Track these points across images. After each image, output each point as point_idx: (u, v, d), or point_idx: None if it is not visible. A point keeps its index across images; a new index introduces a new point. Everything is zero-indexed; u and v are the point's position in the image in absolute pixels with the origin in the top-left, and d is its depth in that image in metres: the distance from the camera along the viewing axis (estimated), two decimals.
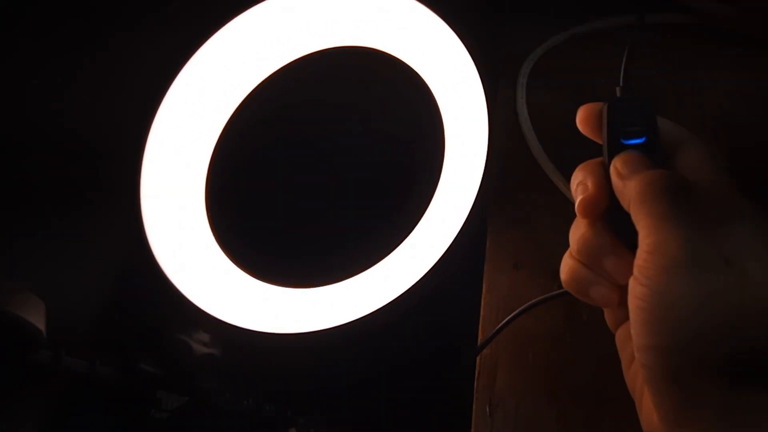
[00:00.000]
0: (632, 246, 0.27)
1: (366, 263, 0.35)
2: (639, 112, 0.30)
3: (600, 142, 0.31)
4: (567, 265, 0.31)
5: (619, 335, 0.30)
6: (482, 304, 0.42)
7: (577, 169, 0.31)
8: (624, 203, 0.28)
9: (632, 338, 0.26)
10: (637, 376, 0.29)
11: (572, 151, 0.33)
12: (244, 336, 0.31)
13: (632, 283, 0.26)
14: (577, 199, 0.30)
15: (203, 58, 0.26)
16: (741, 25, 0.53)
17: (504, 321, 0.38)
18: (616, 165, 0.29)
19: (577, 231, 0.30)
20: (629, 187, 0.28)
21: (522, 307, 0.37)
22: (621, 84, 0.31)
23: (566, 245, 0.33)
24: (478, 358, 0.40)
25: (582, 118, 0.31)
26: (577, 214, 0.30)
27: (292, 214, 0.36)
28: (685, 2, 0.54)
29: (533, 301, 0.37)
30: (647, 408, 0.27)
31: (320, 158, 0.37)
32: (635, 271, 0.26)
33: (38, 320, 0.34)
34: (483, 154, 0.37)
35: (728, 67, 0.53)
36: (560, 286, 0.32)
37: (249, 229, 0.32)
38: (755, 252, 0.25)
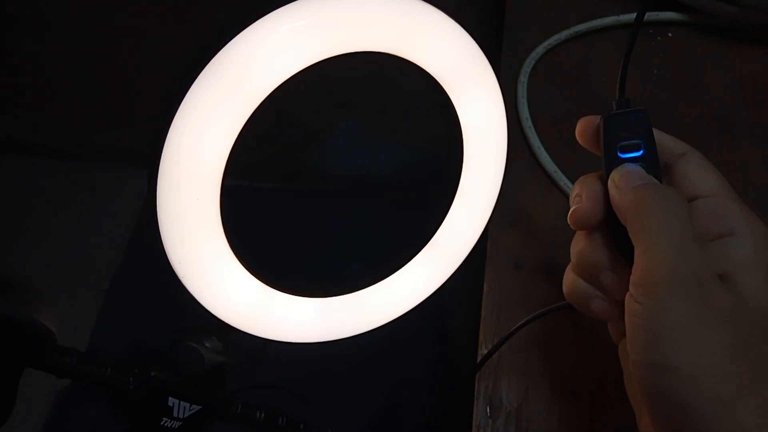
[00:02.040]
0: (632, 260, 0.27)
1: (382, 273, 0.35)
2: (635, 125, 0.30)
3: (599, 154, 0.31)
4: (568, 278, 0.31)
5: (622, 348, 0.30)
6: (483, 304, 0.43)
7: (576, 182, 0.31)
8: (621, 218, 0.28)
9: (628, 353, 0.26)
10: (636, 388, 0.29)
11: (574, 150, 0.33)
12: (257, 345, 0.31)
13: (628, 299, 0.26)
14: (570, 211, 0.30)
15: (220, 62, 0.26)
16: (742, 24, 0.53)
17: (505, 335, 0.38)
18: (614, 179, 0.29)
19: (577, 245, 0.31)
20: (626, 201, 0.28)
21: (523, 321, 0.37)
22: (617, 97, 0.31)
23: (567, 245, 0.33)
24: (478, 360, 0.40)
25: (580, 131, 0.31)
26: (570, 225, 0.30)
27: (308, 223, 0.36)
28: (686, 1, 0.54)
29: (534, 314, 0.37)
30: (646, 421, 0.27)
31: (335, 166, 0.37)
32: (631, 287, 0.26)
33: (51, 322, 0.34)
34: (502, 160, 0.36)
35: (730, 65, 0.53)
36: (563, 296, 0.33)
37: (265, 238, 0.32)
38: (752, 267, 0.26)
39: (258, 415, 0.37)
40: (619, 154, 0.30)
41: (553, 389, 0.39)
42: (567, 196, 0.46)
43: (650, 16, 0.54)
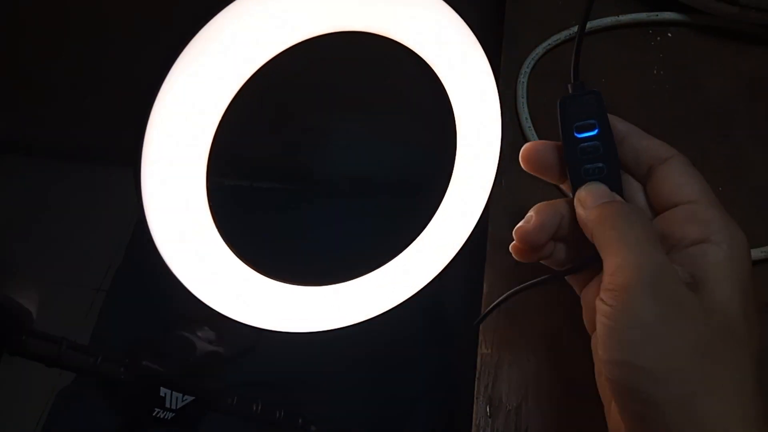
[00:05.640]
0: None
1: (377, 262, 0.35)
2: (589, 106, 0.32)
3: (546, 179, 0.34)
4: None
5: (593, 341, 0.31)
6: (482, 304, 0.42)
7: (533, 206, 0.33)
8: (587, 233, 0.30)
9: (595, 351, 0.28)
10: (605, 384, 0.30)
11: None
12: (251, 334, 0.31)
13: (598, 303, 0.27)
14: (516, 226, 0.33)
15: (197, 47, 0.26)
16: (742, 24, 0.53)
17: (500, 298, 0.38)
18: (580, 197, 0.31)
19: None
20: (591, 216, 0.29)
21: (518, 287, 0.37)
22: (572, 81, 0.33)
23: None
24: (478, 359, 0.40)
25: (523, 157, 0.34)
26: (514, 239, 0.33)
27: (300, 213, 0.36)
28: (686, 1, 0.54)
29: (531, 281, 0.37)
30: (614, 415, 0.28)
31: (326, 157, 0.37)
32: (601, 292, 0.27)
33: (30, 303, 0.34)
34: (495, 154, 0.36)
35: (730, 65, 0.53)
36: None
37: (256, 227, 0.32)
38: (722, 273, 0.27)
39: (254, 407, 0.36)
40: (575, 134, 0.32)
41: (553, 389, 0.39)
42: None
43: (650, 16, 0.54)
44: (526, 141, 0.49)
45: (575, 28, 0.54)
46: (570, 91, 0.33)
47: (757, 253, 0.42)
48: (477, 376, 0.39)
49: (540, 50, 0.53)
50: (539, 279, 0.35)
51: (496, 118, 0.36)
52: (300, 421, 0.36)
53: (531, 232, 0.32)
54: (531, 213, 0.33)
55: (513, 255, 0.34)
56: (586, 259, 0.32)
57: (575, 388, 0.39)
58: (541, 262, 0.35)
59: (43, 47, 0.54)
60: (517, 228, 0.33)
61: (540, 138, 0.49)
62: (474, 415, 0.38)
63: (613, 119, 0.32)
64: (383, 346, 0.40)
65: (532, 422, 0.38)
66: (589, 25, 0.54)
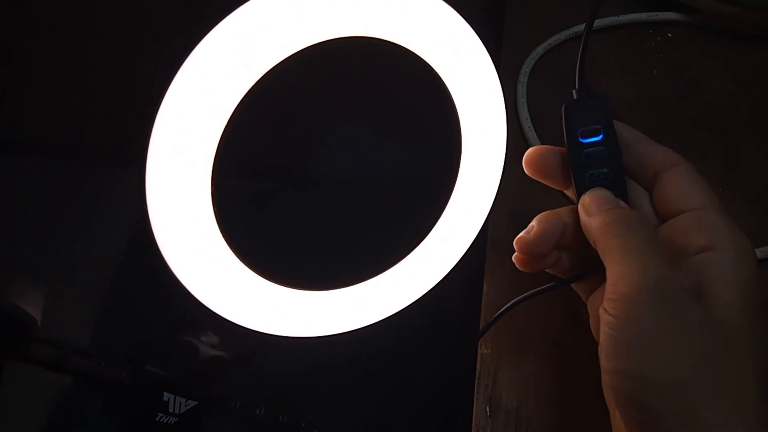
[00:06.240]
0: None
1: (381, 266, 0.35)
2: (594, 111, 0.31)
3: (549, 185, 0.34)
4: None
5: (600, 350, 0.31)
6: (482, 304, 0.43)
7: (536, 217, 0.33)
8: (590, 239, 0.30)
9: (600, 361, 0.28)
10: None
11: None
12: (254, 338, 0.31)
13: (601, 313, 0.27)
14: (517, 236, 0.33)
15: (203, 52, 0.26)
16: (742, 24, 0.53)
17: (502, 309, 0.38)
18: (584, 203, 0.31)
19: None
20: (594, 223, 0.29)
21: (522, 296, 0.37)
22: (576, 86, 0.33)
23: None
24: (478, 359, 0.40)
25: (527, 162, 0.34)
26: (515, 249, 0.33)
27: (303, 216, 0.36)
28: (686, 1, 0.54)
29: (535, 290, 0.37)
30: (619, 423, 0.28)
31: (330, 158, 0.37)
32: (604, 302, 0.27)
33: (34, 309, 0.34)
34: (500, 159, 0.36)
35: (730, 65, 0.53)
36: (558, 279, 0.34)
37: (260, 230, 0.32)
38: (727, 282, 0.27)
39: (258, 412, 0.36)
40: (580, 139, 0.31)
41: (553, 389, 0.39)
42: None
43: (650, 16, 0.54)
44: (526, 141, 0.49)
45: (575, 28, 0.54)
46: (575, 96, 0.32)
47: (757, 253, 0.42)
48: (477, 376, 0.39)
49: (540, 50, 0.53)
50: (542, 288, 0.34)
51: (501, 121, 0.35)
52: (303, 425, 0.37)
53: (532, 241, 0.32)
54: (533, 223, 0.33)
55: (516, 265, 0.34)
56: (590, 267, 0.32)
57: (576, 388, 0.39)
58: (546, 271, 0.35)
59: (44, 45, 0.54)
60: (518, 238, 0.32)
61: (540, 138, 0.49)
62: (474, 415, 0.38)
63: (618, 125, 0.32)
64: (385, 348, 0.40)
65: (532, 422, 0.38)
66: None
